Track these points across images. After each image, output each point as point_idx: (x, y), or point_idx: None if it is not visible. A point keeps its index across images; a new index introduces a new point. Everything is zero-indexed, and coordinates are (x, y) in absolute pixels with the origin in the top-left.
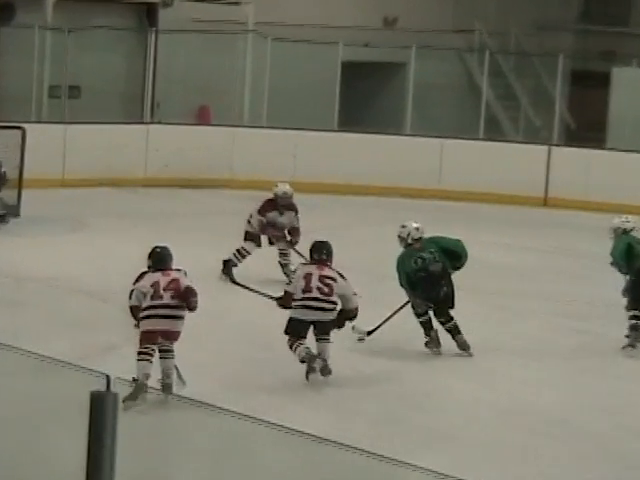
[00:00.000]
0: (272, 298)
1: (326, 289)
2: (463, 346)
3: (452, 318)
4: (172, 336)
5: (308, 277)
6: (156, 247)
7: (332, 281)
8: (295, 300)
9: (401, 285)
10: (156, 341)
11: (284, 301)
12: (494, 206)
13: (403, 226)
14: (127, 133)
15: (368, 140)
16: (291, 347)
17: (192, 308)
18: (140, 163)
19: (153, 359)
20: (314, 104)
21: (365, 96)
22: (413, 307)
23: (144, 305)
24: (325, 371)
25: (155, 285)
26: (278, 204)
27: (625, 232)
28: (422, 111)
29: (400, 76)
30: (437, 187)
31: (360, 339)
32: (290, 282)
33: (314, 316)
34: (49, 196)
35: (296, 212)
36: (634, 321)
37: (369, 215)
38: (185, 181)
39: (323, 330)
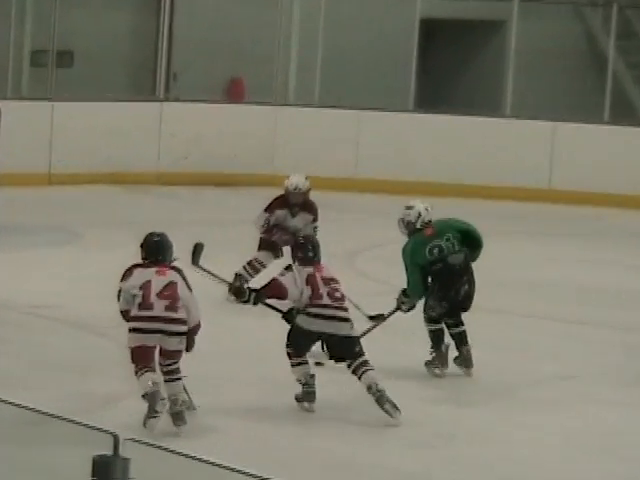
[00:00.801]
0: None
1: (337, 294)
2: (467, 362)
3: (462, 323)
4: (171, 355)
5: (312, 281)
6: (151, 234)
7: (338, 285)
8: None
9: (408, 283)
10: (151, 358)
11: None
12: (622, 212)
13: (409, 207)
14: (134, 113)
15: (454, 124)
16: (291, 359)
17: (188, 349)
18: (151, 154)
19: (155, 369)
20: (383, 76)
21: (450, 65)
22: (425, 310)
23: (132, 313)
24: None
25: (146, 288)
26: (289, 202)
27: None
28: (526, 85)
29: (497, 39)
30: (546, 186)
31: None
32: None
33: (328, 328)
34: (31, 197)
35: (314, 215)
36: None
37: None
38: (210, 178)
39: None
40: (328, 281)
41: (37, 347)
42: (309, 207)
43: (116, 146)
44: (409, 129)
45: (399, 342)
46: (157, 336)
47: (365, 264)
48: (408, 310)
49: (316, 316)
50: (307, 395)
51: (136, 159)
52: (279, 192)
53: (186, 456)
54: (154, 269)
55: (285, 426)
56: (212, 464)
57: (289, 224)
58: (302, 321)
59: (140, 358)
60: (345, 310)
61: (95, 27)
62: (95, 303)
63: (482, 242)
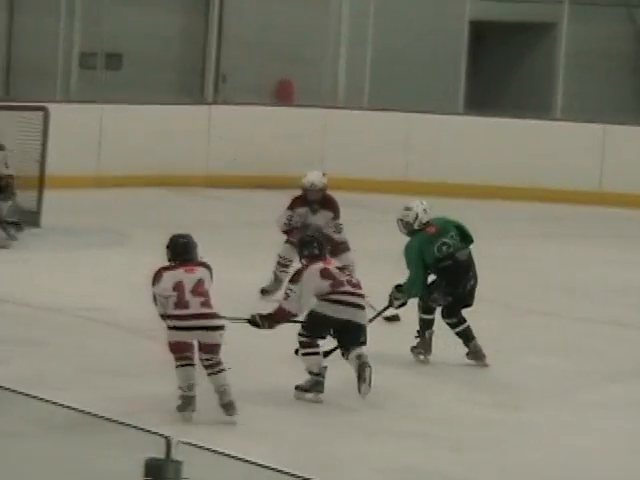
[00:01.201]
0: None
1: (354, 281)
2: (477, 355)
3: (465, 320)
4: (211, 349)
5: (327, 274)
6: (177, 236)
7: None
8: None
9: (410, 280)
10: (189, 349)
11: (276, 318)
12: None
13: (408, 208)
14: (183, 116)
15: (503, 126)
16: (304, 347)
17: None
18: (200, 156)
19: (195, 364)
20: (432, 78)
21: (500, 68)
22: (422, 299)
23: (169, 312)
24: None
25: (179, 288)
26: (308, 199)
27: None
28: (577, 87)
29: (548, 41)
30: (597, 189)
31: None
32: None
33: (347, 314)
34: (79, 199)
35: (334, 212)
36: None
37: (505, 227)
38: (259, 180)
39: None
40: (343, 269)
41: (86, 350)
42: (328, 204)
43: (165, 148)
44: (459, 132)
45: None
46: (197, 332)
47: None
48: (400, 306)
49: (336, 302)
50: (316, 385)
51: (185, 161)
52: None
53: (238, 458)
54: (182, 269)
55: (331, 429)
56: (264, 467)
57: (310, 222)
58: (321, 307)
59: (178, 349)
60: (363, 297)
61: (144, 29)
62: (144, 305)
63: (473, 239)
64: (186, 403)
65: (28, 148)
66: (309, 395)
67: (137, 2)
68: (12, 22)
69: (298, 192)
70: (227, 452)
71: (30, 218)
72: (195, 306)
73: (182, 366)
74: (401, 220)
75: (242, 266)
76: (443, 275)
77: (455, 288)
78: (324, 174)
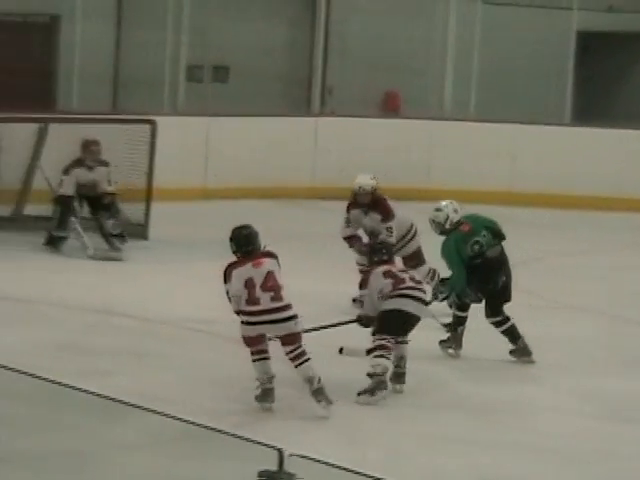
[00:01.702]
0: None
1: (417, 278)
2: (524, 352)
3: (509, 318)
4: (291, 340)
5: (390, 273)
6: (239, 228)
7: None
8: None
9: (453, 276)
10: (263, 344)
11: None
12: None
13: (438, 209)
14: (289, 128)
15: (611, 137)
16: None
17: None
18: (306, 167)
19: (270, 357)
20: (539, 89)
21: (608, 78)
22: (458, 297)
23: (241, 308)
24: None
25: (249, 286)
26: (358, 202)
27: None
28: None
29: None
30: None
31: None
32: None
33: (414, 309)
34: (186, 211)
35: (382, 215)
36: None
37: (612, 238)
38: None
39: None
40: (405, 271)
41: (196, 362)
42: (377, 207)
43: (271, 160)
44: (565, 142)
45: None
46: (268, 326)
47: (522, 277)
48: (443, 300)
49: (401, 296)
50: (380, 385)
51: (291, 173)
52: (433, 206)
53: (350, 470)
54: (250, 264)
55: (429, 439)
56: (376, 479)
57: (363, 223)
58: (388, 305)
59: (252, 343)
60: (425, 292)
61: (251, 42)
62: None
63: (504, 236)
64: (265, 394)
65: (135, 161)
66: (376, 397)
67: (244, 15)
68: (120, 36)
69: (404, 204)
70: (338, 464)
71: (138, 231)
72: (265, 302)
73: (258, 360)
74: (433, 221)
75: (348, 277)
76: (474, 272)
77: (485, 285)
78: (373, 177)
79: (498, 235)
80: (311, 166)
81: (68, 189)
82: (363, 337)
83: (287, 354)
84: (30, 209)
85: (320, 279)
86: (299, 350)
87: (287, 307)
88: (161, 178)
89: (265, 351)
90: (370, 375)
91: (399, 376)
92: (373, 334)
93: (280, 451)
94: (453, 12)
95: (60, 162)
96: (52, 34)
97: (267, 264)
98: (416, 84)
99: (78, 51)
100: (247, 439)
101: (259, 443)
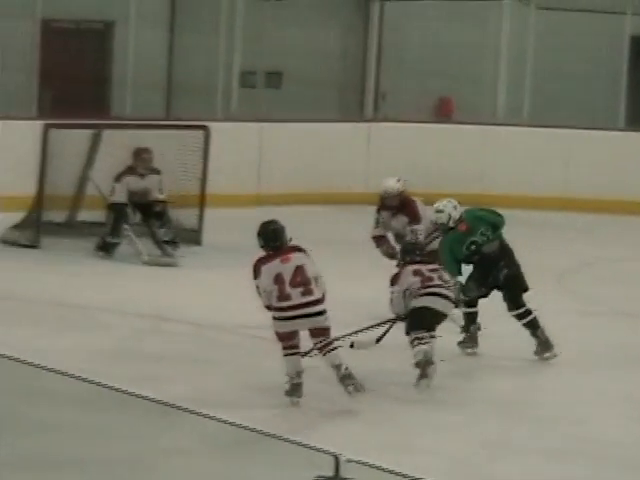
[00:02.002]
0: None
1: (445, 278)
2: (545, 345)
3: (530, 311)
4: (321, 333)
5: (419, 272)
6: (267, 223)
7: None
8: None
9: (450, 273)
10: (295, 339)
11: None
12: None
13: (439, 211)
14: (342, 133)
15: None
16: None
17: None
18: (359, 173)
19: (302, 352)
20: (593, 93)
21: None
22: (463, 292)
23: (273, 305)
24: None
25: (279, 282)
26: (386, 205)
27: None
28: None
29: None
30: None
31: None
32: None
33: (442, 307)
34: (240, 217)
35: (409, 218)
36: None
37: None
38: (419, 196)
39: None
40: (433, 270)
41: (250, 367)
42: (405, 209)
43: (325, 166)
44: (619, 147)
45: None
46: (300, 321)
47: (574, 283)
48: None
49: (429, 294)
50: (425, 369)
51: (345, 178)
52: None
53: (405, 476)
54: (278, 260)
55: (487, 447)
56: None
57: (392, 225)
58: (419, 302)
59: (284, 338)
60: (452, 291)
61: (303, 48)
62: None
63: (500, 224)
64: (294, 389)
65: (189, 167)
66: (423, 381)
67: (297, 21)
68: (173, 42)
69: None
70: (395, 470)
71: (191, 236)
72: (296, 297)
73: (289, 355)
74: (436, 223)
75: None
76: (475, 267)
77: (485, 279)
78: (399, 180)
79: (496, 227)
80: (364, 171)
81: (120, 196)
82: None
83: (315, 344)
84: (84, 215)
85: (371, 285)
86: (326, 341)
87: (318, 301)
88: (214, 184)
89: (296, 346)
90: (417, 364)
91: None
92: (407, 333)
93: (336, 457)
94: (506, 17)
95: (113, 168)
96: (106, 40)
97: (295, 259)
98: (469, 90)
99: (132, 57)
100: (303, 444)
101: (315, 449)
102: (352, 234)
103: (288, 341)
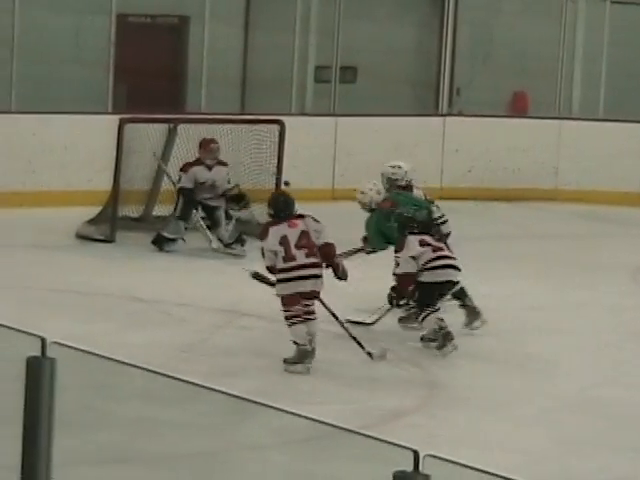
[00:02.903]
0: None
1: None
2: (474, 314)
3: (458, 281)
4: (310, 296)
5: (424, 242)
6: (277, 195)
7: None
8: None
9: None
10: (299, 304)
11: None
12: None
13: (362, 192)
14: (417, 128)
15: None
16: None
17: (342, 277)
18: (434, 168)
19: (312, 315)
20: None
21: None
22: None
23: (278, 267)
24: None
25: (285, 243)
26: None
27: None
28: None
29: None
30: None
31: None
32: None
33: (452, 276)
34: (314, 212)
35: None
36: None
37: None
38: (495, 192)
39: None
40: (439, 242)
41: (324, 362)
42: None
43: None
44: None
45: None
46: (304, 282)
47: None
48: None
49: (443, 267)
50: (444, 338)
51: (419, 174)
52: (564, 207)
53: (488, 473)
54: (285, 224)
55: (567, 443)
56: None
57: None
58: (431, 276)
59: (289, 302)
60: (456, 259)
61: (378, 43)
62: (383, 318)
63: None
64: (304, 356)
65: (263, 161)
66: (448, 347)
67: (371, 16)
68: (247, 37)
69: (531, 204)
70: (474, 465)
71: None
72: (301, 257)
73: (294, 324)
74: (359, 202)
75: (481, 279)
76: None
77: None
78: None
79: (419, 205)
80: (439, 167)
81: (188, 183)
82: None
83: (301, 306)
84: (159, 210)
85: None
86: (312, 307)
87: (318, 264)
88: (289, 178)
89: (299, 315)
90: (434, 332)
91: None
92: (417, 307)
93: (416, 452)
94: (581, 12)
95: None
96: (181, 35)
97: (301, 225)
98: (544, 84)
99: (206, 52)
100: (382, 440)
101: (394, 444)
102: None
103: (291, 306)
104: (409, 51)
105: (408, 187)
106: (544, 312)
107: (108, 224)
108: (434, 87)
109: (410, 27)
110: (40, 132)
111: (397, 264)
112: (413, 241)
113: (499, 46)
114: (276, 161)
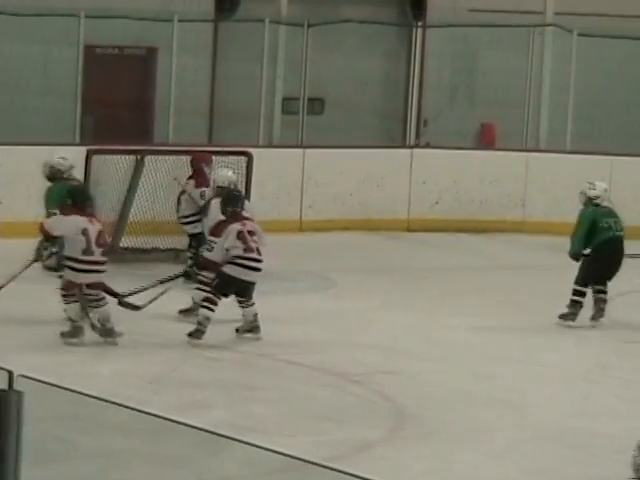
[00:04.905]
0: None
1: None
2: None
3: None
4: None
5: (242, 236)
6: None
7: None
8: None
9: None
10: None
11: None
12: None
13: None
14: (385, 160)
15: None
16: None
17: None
18: (402, 200)
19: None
20: (636, 120)
21: None
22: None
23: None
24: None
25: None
26: None
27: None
28: None
29: None
30: None
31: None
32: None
33: (250, 277)
34: (282, 244)
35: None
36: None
37: None
38: (463, 224)
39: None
40: (253, 233)
41: (292, 394)
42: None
43: (367, 193)
44: None
45: None
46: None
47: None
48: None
49: (246, 267)
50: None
51: (387, 205)
52: (532, 239)
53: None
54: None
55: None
56: None
57: None
58: (233, 271)
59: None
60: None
61: (346, 74)
62: (349, 351)
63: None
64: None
65: None
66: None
67: (339, 48)
68: (215, 69)
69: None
70: None
71: None
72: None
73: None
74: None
75: (449, 311)
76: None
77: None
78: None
79: None
80: (406, 199)
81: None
82: None
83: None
84: (125, 241)
85: (425, 313)
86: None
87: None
88: (257, 210)
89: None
90: (198, 322)
91: (255, 328)
92: (211, 285)
93: (10, 372)
94: (548, 44)
95: (156, 194)
96: (148, 66)
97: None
98: (512, 116)
99: (174, 84)
100: (351, 473)
101: (358, 477)
102: (394, 260)
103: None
104: (377, 83)
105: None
106: (512, 343)
107: None
108: (402, 119)
109: (378, 59)
110: (7, 162)
111: (209, 249)
112: (234, 233)
113: (467, 78)
114: (244, 192)
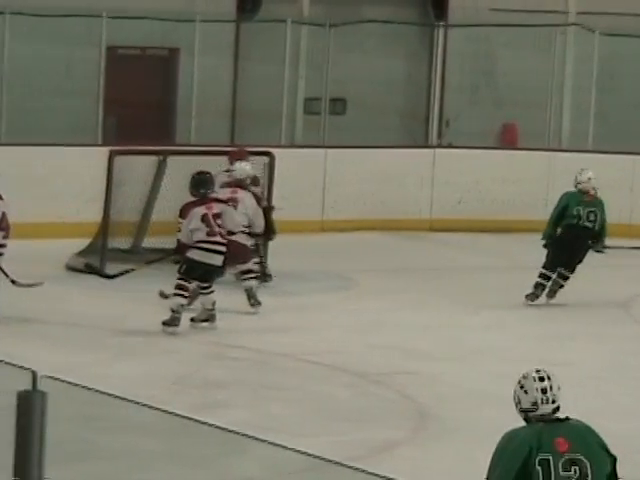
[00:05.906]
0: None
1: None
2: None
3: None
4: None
5: (206, 219)
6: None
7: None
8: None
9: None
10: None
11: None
12: None
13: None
14: (407, 160)
15: None
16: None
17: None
18: (424, 200)
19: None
20: None
21: None
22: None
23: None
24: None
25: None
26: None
27: None
28: None
29: None
30: None
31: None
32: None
33: (214, 260)
34: (304, 244)
35: None
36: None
37: None
38: (485, 224)
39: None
40: (218, 216)
41: (313, 394)
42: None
43: (389, 193)
44: None
45: None
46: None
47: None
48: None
49: (209, 250)
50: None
51: (409, 205)
52: None
53: None
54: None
55: None
56: None
57: None
58: (197, 255)
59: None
60: (226, 245)
61: (367, 75)
62: (371, 351)
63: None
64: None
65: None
66: (173, 327)
67: (361, 48)
68: (237, 69)
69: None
70: None
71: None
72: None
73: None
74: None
75: (467, 310)
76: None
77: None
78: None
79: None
80: (429, 198)
81: None
82: None
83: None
84: (148, 241)
85: (444, 312)
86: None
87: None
88: (279, 210)
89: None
90: (172, 310)
91: (212, 317)
92: (178, 271)
93: (34, 372)
94: (571, 43)
95: (178, 195)
96: (171, 67)
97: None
98: (534, 116)
99: (196, 84)
100: (372, 473)
101: (380, 476)
102: (416, 261)
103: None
104: (399, 83)
105: None
106: (531, 343)
107: (98, 256)
108: (424, 119)
109: (400, 59)
110: (30, 164)
111: (179, 230)
112: (198, 216)
113: (489, 78)
114: (266, 192)
